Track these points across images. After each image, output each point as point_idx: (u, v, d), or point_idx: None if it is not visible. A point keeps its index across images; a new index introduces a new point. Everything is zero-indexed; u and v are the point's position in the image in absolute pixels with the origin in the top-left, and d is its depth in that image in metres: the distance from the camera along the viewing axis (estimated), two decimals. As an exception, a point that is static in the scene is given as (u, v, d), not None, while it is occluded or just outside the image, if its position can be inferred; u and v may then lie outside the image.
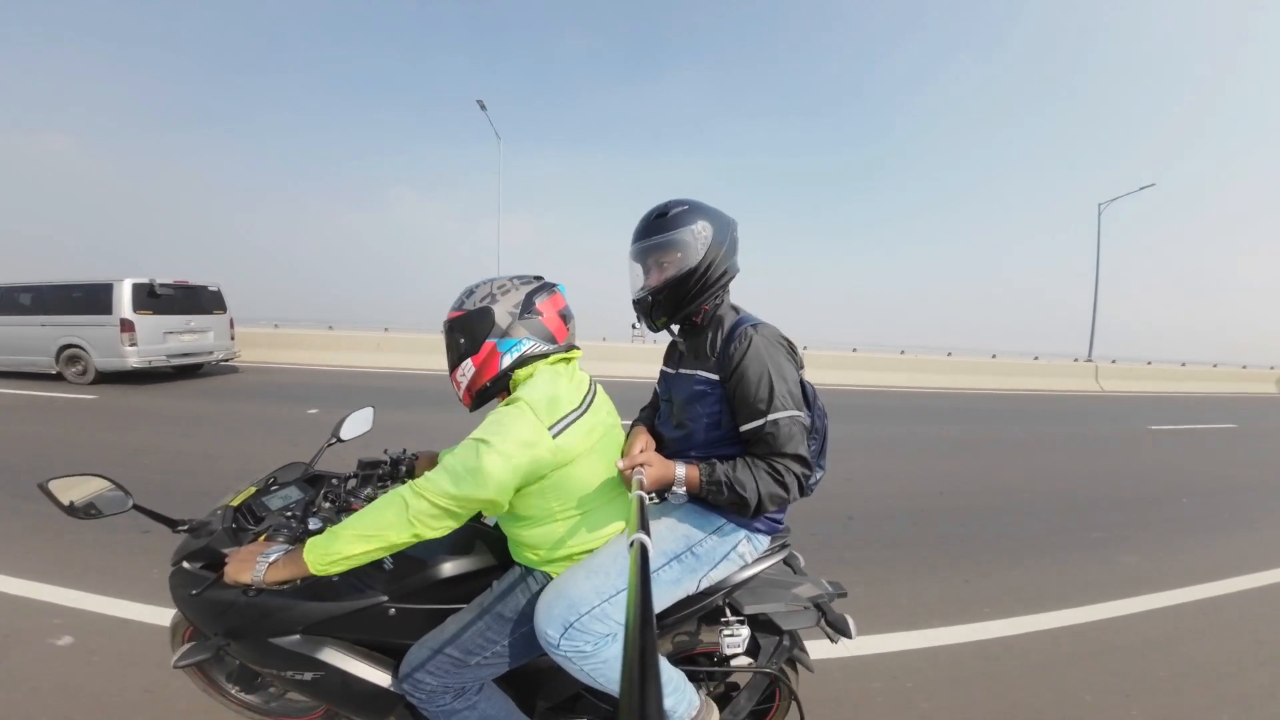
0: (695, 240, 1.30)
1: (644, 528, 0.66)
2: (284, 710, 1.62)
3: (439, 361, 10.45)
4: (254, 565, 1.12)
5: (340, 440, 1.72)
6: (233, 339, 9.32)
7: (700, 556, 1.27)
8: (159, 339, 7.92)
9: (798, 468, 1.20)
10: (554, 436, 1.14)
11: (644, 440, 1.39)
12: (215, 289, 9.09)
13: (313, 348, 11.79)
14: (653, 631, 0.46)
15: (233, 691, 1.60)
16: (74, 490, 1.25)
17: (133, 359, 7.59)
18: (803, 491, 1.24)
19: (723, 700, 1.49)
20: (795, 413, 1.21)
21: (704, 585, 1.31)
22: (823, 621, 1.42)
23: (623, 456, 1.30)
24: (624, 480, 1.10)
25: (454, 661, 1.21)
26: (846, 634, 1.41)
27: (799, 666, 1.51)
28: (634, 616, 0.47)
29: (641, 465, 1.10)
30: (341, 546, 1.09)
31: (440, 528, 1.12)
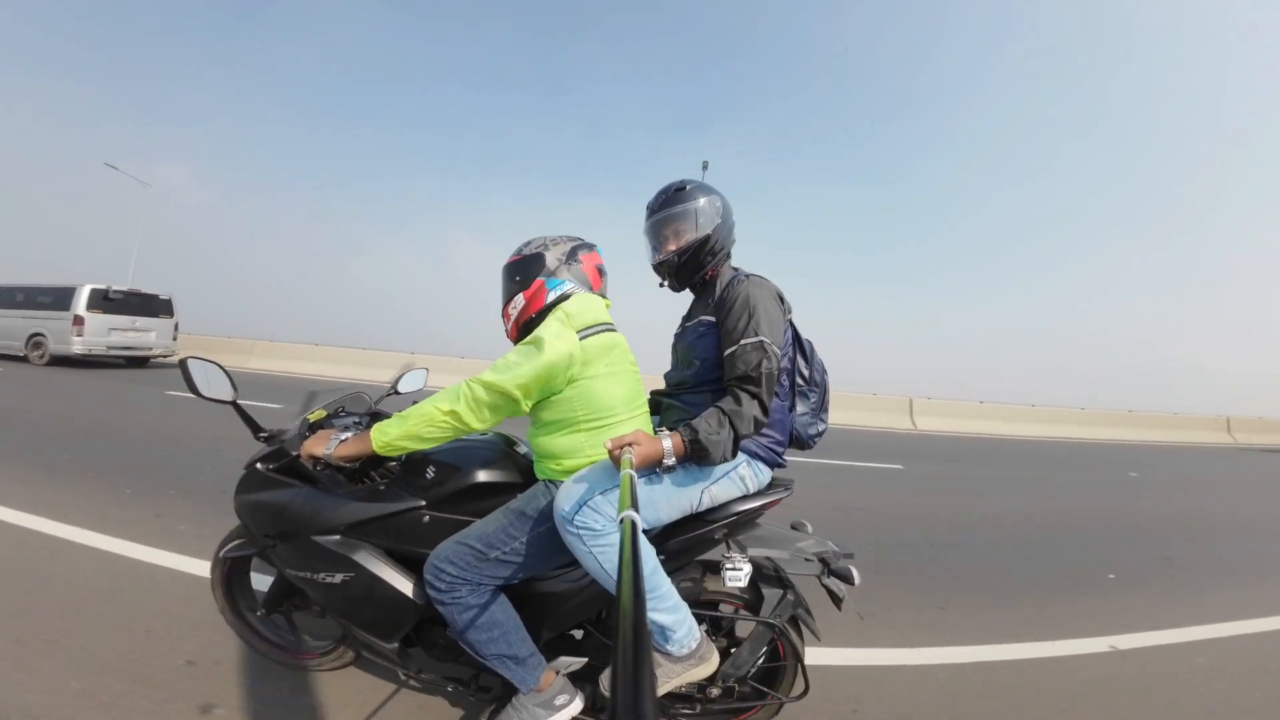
0: (711, 209, 1.51)
1: (633, 505, 0.68)
2: (295, 646, 1.75)
3: (339, 370, 11.95)
4: (328, 440, 1.32)
5: (398, 393, 1.93)
6: (175, 339, 11.28)
7: (703, 466, 1.33)
8: (103, 333, 9.87)
9: (761, 392, 1.29)
10: (581, 340, 1.33)
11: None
12: (166, 297, 11.13)
13: (254, 353, 13.78)
14: (644, 608, 0.44)
15: (252, 620, 1.74)
16: (201, 372, 1.50)
17: (77, 347, 9.53)
18: (766, 412, 1.31)
19: (725, 655, 1.48)
20: (766, 339, 1.32)
21: (705, 502, 1.37)
22: (826, 573, 1.44)
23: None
24: (613, 460, 1.15)
25: (475, 554, 1.31)
26: (850, 580, 1.42)
27: (804, 632, 1.51)
28: (627, 592, 0.45)
29: (630, 444, 1.15)
30: (401, 426, 1.26)
31: (487, 413, 1.29)
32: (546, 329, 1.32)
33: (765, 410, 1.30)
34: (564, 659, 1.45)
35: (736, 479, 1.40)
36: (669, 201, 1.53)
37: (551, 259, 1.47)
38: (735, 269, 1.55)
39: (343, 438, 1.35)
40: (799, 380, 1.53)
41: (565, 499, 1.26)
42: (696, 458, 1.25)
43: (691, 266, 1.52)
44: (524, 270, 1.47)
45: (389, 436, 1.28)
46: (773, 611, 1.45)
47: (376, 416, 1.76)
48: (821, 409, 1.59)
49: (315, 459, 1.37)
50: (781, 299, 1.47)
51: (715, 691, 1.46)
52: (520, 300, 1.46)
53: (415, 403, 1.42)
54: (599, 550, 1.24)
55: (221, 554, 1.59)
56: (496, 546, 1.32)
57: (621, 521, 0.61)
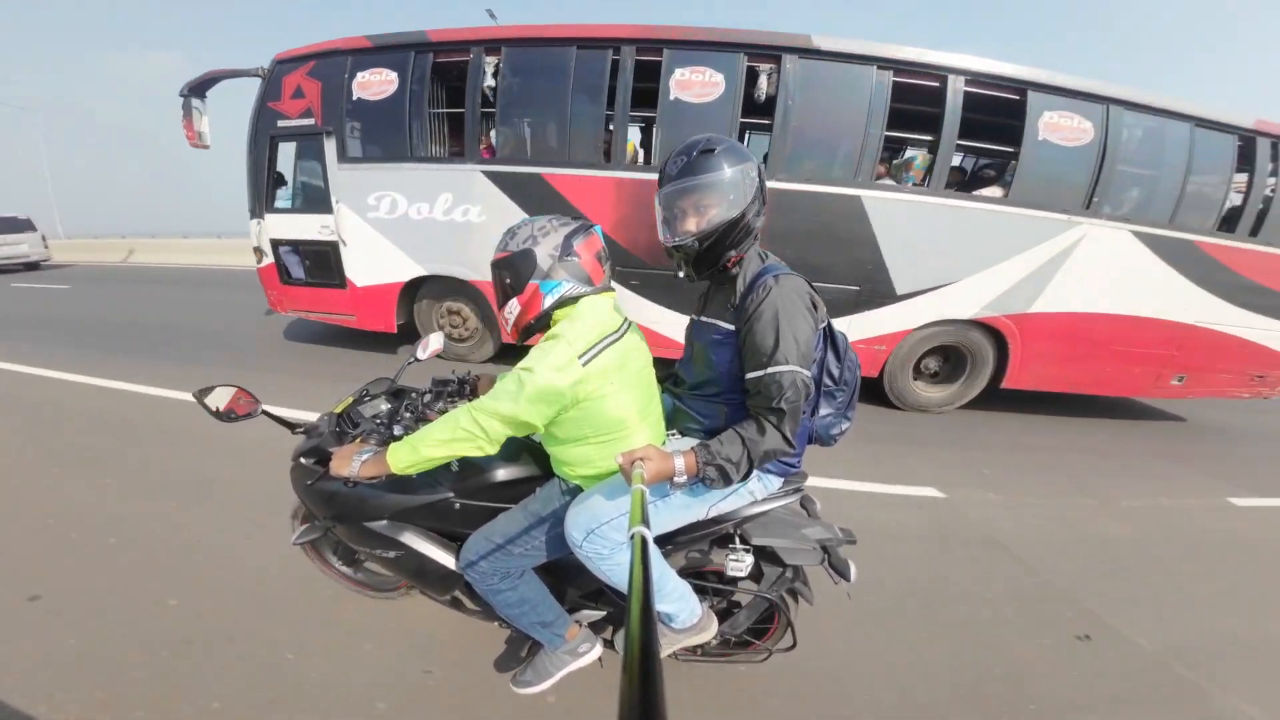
0: (745, 181, 1.29)
1: (644, 521, 0.68)
2: (374, 584, 2.07)
3: (202, 258, 16.28)
4: (350, 462, 1.41)
5: (418, 360, 2.05)
6: (46, 247, 14.92)
7: (710, 486, 1.33)
8: (-17, 249, 13.65)
9: (785, 426, 1.24)
10: (584, 365, 1.28)
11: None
12: (25, 218, 14.57)
13: (132, 250, 17.24)
14: (654, 625, 0.44)
15: (337, 566, 2.05)
16: (217, 397, 1.59)
17: (-35, 261, 13.44)
18: (790, 445, 1.26)
19: (724, 616, 1.67)
20: (797, 369, 1.22)
21: (713, 513, 1.45)
22: (826, 562, 1.55)
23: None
24: (624, 475, 1.13)
25: (501, 550, 1.48)
26: (846, 577, 1.51)
27: (799, 598, 1.65)
28: (636, 615, 0.44)
29: (641, 459, 1.12)
30: (415, 453, 1.33)
31: (492, 442, 1.31)
32: (547, 360, 1.27)
33: (789, 442, 1.26)
34: (585, 612, 1.71)
35: (745, 493, 1.45)
36: (692, 168, 1.30)
37: (543, 256, 1.33)
38: (762, 258, 1.39)
39: (364, 457, 1.41)
40: (828, 381, 1.44)
41: (574, 528, 1.38)
42: (709, 482, 1.26)
43: (714, 254, 1.34)
44: (513, 271, 1.36)
45: (404, 464, 1.33)
46: (771, 586, 1.59)
47: (399, 395, 1.92)
48: (849, 407, 1.51)
49: (345, 479, 1.43)
50: (815, 305, 1.32)
51: (713, 643, 1.66)
52: (515, 306, 1.39)
53: (438, 391, 1.81)
54: (608, 569, 1.39)
55: (295, 543, 1.78)
56: (519, 544, 1.50)
57: (632, 538, 0.63)
